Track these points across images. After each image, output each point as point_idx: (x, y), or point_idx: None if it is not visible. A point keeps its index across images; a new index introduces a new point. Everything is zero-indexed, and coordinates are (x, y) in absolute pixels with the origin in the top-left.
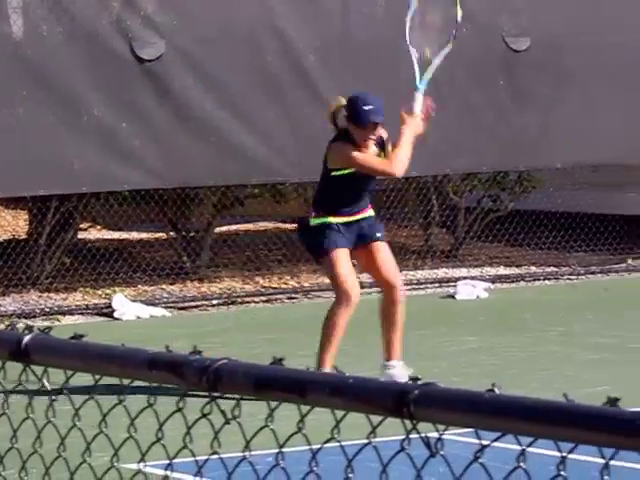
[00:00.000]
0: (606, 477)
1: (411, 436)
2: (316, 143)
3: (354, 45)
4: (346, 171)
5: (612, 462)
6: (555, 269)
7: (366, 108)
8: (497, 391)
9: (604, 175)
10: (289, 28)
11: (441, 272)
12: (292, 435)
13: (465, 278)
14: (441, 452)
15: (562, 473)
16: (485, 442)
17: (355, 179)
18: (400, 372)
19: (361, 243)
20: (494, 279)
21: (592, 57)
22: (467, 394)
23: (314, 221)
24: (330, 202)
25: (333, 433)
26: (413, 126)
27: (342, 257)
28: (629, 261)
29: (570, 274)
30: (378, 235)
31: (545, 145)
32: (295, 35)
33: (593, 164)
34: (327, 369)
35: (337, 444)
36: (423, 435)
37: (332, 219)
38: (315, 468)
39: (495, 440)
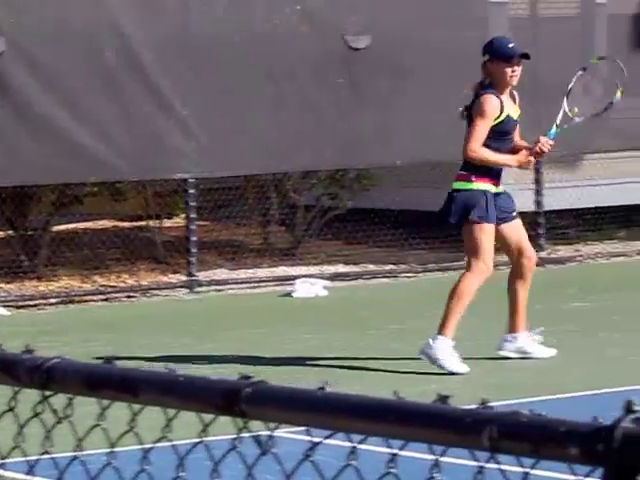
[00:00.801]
0: (436, 474)
1: (244, 434)
2: (155, 141)
3: (194, 43)
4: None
5: (442, 459)
6: (394, 267)
7: (510, 45)
8: (329, 389)
9: (442, 173)
10: (128, 26)
11: (280, 270)
12: (124, 434)
13: (304, 276)
14: (273, 450)
15: (392, 470)
16: (317, 439)
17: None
18: (528, 343)
19: (503, 218)
20: (333, 277)
21: (430, 54)
22: (299, 392)
23: (473, 185)
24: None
25: (165, 432)
26: (522, 159)
27: (492, 231)
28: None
29: (408, 272)
30: (514, 214)
31: (384, 143)
32: (134, 33)
33: (431, 161)
34: (449, 338)
35: (169, 443)
36: (255, 433)
37: (489, 186)
38: (147, 467)
39: (327, 438)
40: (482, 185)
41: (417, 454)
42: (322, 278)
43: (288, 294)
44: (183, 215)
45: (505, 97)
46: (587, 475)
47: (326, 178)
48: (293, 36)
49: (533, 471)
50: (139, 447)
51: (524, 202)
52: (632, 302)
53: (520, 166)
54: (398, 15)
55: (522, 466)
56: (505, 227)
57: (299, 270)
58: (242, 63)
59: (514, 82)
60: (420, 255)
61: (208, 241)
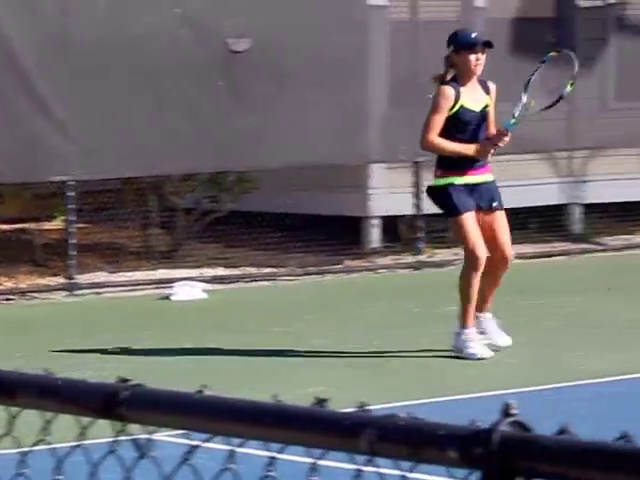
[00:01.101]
0: (314, 477)
1: (122, 437)
2: (34, 143)
3: (73, 45)
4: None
5: (321, 462)
6: (274, 270)
7: (473, 35)
8: (208, 392)
9: (322, 176)
10: (6, 26)
11: (160, 273)
12: (1, 437)
13: (184, 279)
14: (152, 453)
15: (271, 473)
16: (195, 443)
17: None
18: (492, 325)
19: (480, 208)
20: (212, 280)
21: (310, 58)
22: (178, 395)
23: (439, 181)
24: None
25: (43, 435)
26: (480, 147)
27: (468, 219)
28: (346, 262)
29: (289, 275)
30: (495, 204)
31: (264, 146)
32: (13, 35)
33: (310, 165)
34: (471, 329)
35: (47, 446)
36: (134, 436)
37: (454, 178)
38: (25, 470)
39: (205, 441)
40: (447, 179)
41: (295, 457)
42: (202, 281)
43: (167, 297)
44: (63, 218)
45: (468, 88)
46: (465, 478)
47: (206, 181)
48: (173, 39)
49: (411, 474)
50: (17, 450)
51: (402, 205)
52: (510, 305)
53: (478, 154)
54: (278, 18)
55: (400, 469)
56: (482, 217)
57: (179, 273)
58: (122, 65)
59: (478, 71)
60: (301, 258)
61: (88, 244)
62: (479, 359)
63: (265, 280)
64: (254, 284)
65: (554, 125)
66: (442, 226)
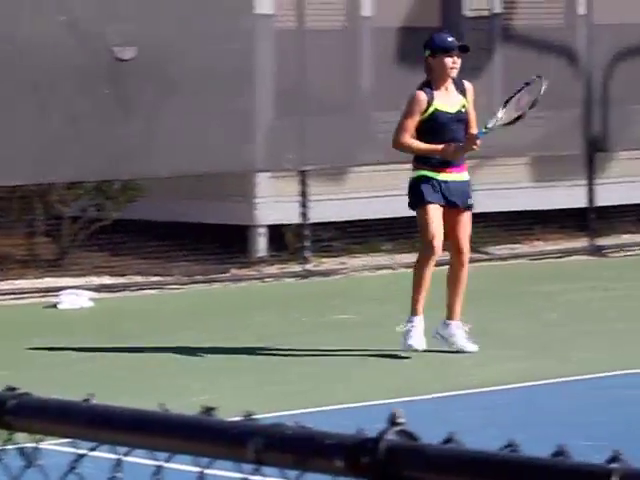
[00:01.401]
0: None
1: (8, 446)
2: None
3: None
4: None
5: (208, 471)
6: (160, 278)
7: (450, 39)
8: (94, 401)
9: (209, 184)
10: None
11: (45, 281)
12: None
13: (70, 287)
14: (39, 462)
15: None
16: (82, 451)
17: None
18: (458, 331)
19: (449, 205)
20: (99, 288)
21: (197, 66)
22: (64, 404)
23: (415, 173)
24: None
25: None
26: (447, 149)
27: (433, 212)
28: (232, 270)
29: (174, 283)
30: (468, 202)
31: (151, 154)
32: None
33: (197, 173)
34: (419, 316)
35: None
36: (20, 445)
37: (428, 172)
38: None
39: (92, 450)
40: (420, 172)
41: (183, 466)
42: (88, 289)
43: (54, 305)
44: None
45: (442, 92)
46: None
47: (92, 189)
48: (58, 46)
49: None
50: None
51: (289, 214)
52: (395, 314)
53: (445, 155)
54: (165, 26)
55: (287, 478)
56: (447, 214)
57: (65, 281)
58: (5, 72)
59: (453, 74)
60: (187, 267)
61: None
62: (415, 351)
63: (151, 289)
64: (140, 292)
65: None
66: (328, 235)
